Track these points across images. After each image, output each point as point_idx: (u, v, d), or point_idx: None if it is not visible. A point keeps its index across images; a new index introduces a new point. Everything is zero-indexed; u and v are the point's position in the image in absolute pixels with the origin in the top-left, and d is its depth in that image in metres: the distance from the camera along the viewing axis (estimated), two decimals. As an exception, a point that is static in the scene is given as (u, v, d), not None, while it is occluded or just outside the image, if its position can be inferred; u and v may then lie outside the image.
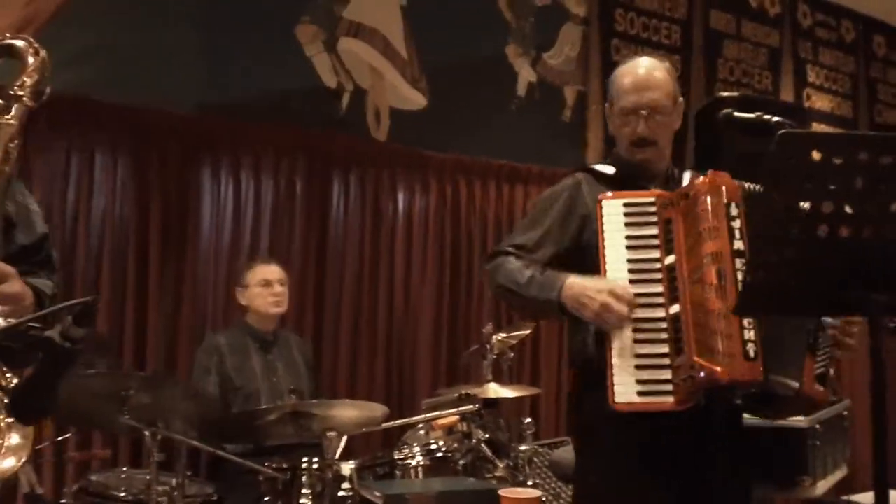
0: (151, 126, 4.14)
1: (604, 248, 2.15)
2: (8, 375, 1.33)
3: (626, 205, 2.17)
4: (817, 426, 3.34)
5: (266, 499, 3.28)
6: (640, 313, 2.10)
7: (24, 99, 1.45)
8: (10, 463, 1.31)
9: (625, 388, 2.05)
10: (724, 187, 2.09)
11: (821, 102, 6.80)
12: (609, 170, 2.36)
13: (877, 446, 1.72)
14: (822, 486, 3.38)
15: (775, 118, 2.38)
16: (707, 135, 4.17)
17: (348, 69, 4.78)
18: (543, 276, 2.21)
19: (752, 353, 2.00)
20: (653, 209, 2.16)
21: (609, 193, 2.22)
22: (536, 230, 2.33)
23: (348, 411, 3.06)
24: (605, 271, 2.13)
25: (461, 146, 5.07)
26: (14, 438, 1.32)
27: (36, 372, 1.25)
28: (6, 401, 1.31)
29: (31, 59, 1.47)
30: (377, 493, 2.66)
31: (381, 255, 4.75)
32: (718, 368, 1.99)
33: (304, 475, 3.21)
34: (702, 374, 2.00)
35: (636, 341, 2.07)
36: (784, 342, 2.06)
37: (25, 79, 1.46)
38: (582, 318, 2.13)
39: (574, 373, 2.32)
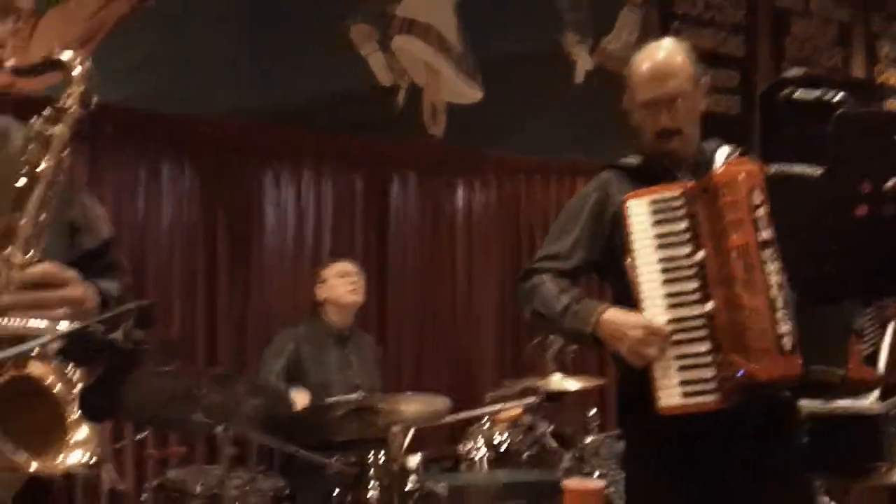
0: (214, 135, 4.25)
1: (634, 251, 2.10)
2: (71, 372, 1.37)
3: (652, 202, 2.12)
4: (893, 411, 3.26)
5: (336, 492, 3.35)
6: (678, 312, 2.06)
7: (73, 109, 1.48)
8: (77, 456, 1.35)
9: (669, 392, 2.03)
10: (742, 176, 2.04)
11: (895, 78, 6.57)
12: (634, 161, 2.31)
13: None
14: (901, 473, 3.30)
15: (836, 97, 2.31)
16: (770, 117, 4.09)
17: (403, 67, 4.81)
18: (579, 304, 2.16)
19: (787, 346, 1.96)
20: (680, 203, 2.11)
21: (633, 193, 2.16)
22: (567, 238, 2.28)
23: (412, 405, 3.09)
24: (637, 277, 2.09)
25: (519, 139, 5.05)
26: (82, 433, 1.36)
27: (102, 373, 1.30)
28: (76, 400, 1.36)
29: (76, 70, 1.50)
30: (442, 485, 2.69)
31: (443, 254, 4.79)
32: (755, 367, 1.96)
33: (371, 469, 3.27)
34: (739, 372, 1.97)
35: (675, 342, 2.04)
36: (825, 328, 2.01)
37: (72, 89, 1.48)
38: (618, 351, 2.10)
39: (617, 370, 2.29)
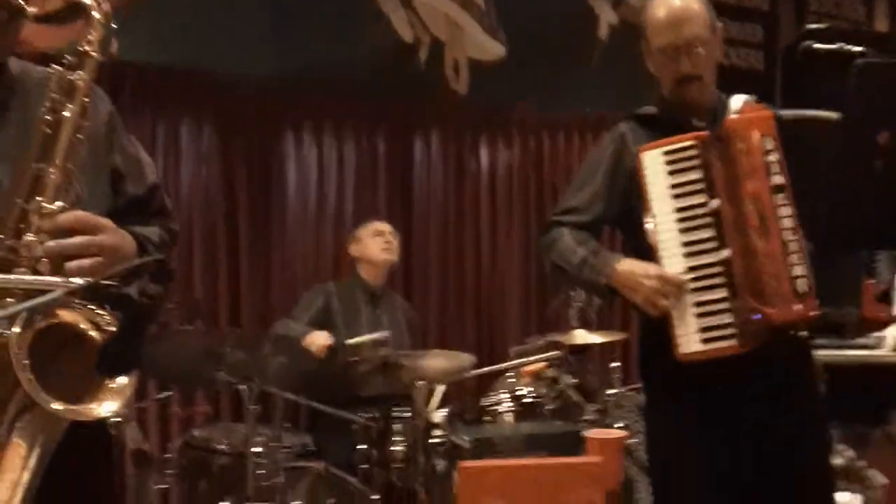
0: (234, 93, 4.25)
1: (649, 201, 2.11)
2: (105, 318, 1.38)
3: (666, 152, 2.11)
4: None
5: (361, 447, 3.40)
6: (695, 260, 2.07)
7: (93, 54, 1.47)
8: (111, 406, 1.38)
9: (688, 339, 2.04)
10: (754, 122, 2.05)
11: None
12: (651, 110, 2.30)
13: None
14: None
15: (857, 48, 2.30)
16: (792, 71, 4.04)
17: (424, 22, 4.78)
18: (596, 257, 2.17)
19: (802, 289, 1.99)
20: (694, 152, 2.10)
21: (646, 145, 2.15)
22: (585, 191, 2.28)
23: (436, 361, 3.13)
24: (655, 227, 2.10)
25: (543, 95, 5.02)
26: (118, 381, 1.39)
27: (118, 328, 1.32)
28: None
29: (95, 14, 1.48)
30: (465, 438, 2.73)
31: (466, 212, 4.79)
32: (771, 311, 1.98)
33: (395, 424, 3.32)
34: (756, 316, 2.00)
35: (694, 289, 2.05)
36: (838, 269, 2.02)
37: (92, 34, 1.47)
38: (634, 302, 2.11)
39: (639, 320, 2.31)
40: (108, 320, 1.38)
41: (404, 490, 3.21)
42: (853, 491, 3.23)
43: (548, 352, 3.54)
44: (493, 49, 4.96)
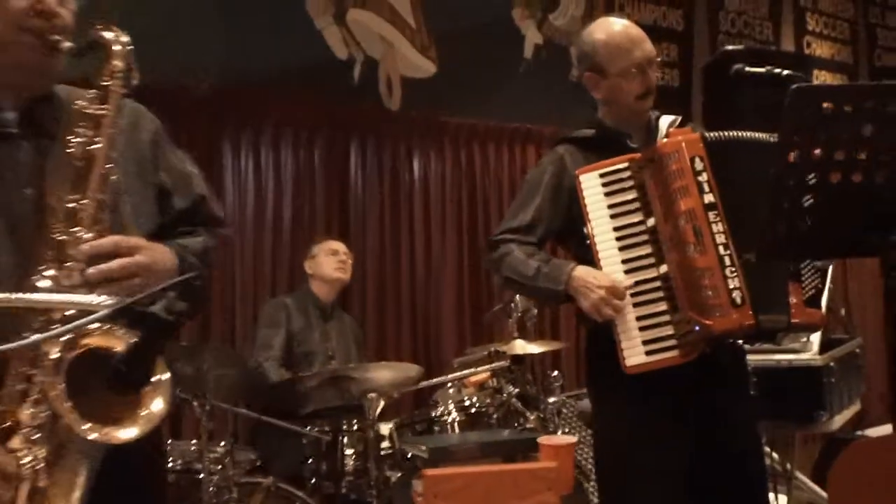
0: (174, 102, 4.22)
1: (589, 221, 2.24)
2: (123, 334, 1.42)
3: (602, 175, 2.25)
4: (832, 363, 3.49)
5: (310, 460, 3.44)
6: (635, 276, 2.20)
7: (117, 87, 1.53)
8: (161, 405, 1.41)
9: (633, 351, 2.17)
10: (684, 144, 2.18)
11: (821, 49, 6.86)
12: (588, 133, 2.43)
13: (892, 381, 1.85)
14: (839, 421, 3.54)
15: (785, 72, 2.50)
16: (717, 88, 4.26)
17: (358, 40, 4.87)
18: (549, 266, 2.30)
19: (738, 300, 2.11)
20: (628, 174, 2.24)
21: (583, 168, 2.28)
22: (528, 211, 2.39)
23: (385, 373, 3.20)
24: (595, 245, 2.23)
25: (473, 111, 5.18)
26: (156, 405, 1.42)
27: (137, 344, 1.36)
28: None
29: (116, 48, 1.54)
30: (422, 447, 2.81)
31: (401, 221, 4.89)
32: (710, 322, 2.10)
33: (345, 436, 3.38)
34: (696, 328, 2.12)
35: (635, 304, 2.18)
36: (768, 279, 2.16)
37: (114, 67, 1.53)
38: (581, 306, 2.23)
39: (586, 330, 2.43)
40: (128, 338, 1.42)
41: (357, 502, 3.27)
42: (780, 492, 3.43)
43: (490, 362, 3.65)
44: (424, 66, 5.07)
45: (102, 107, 1.52)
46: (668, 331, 2.17)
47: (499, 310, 4.08)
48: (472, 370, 3.57)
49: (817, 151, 1.96)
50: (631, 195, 2.25)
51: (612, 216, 2.25)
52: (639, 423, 2.30)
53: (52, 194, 1.50)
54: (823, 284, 2.36)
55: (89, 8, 1.62)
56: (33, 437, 1.36)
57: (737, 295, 2.11)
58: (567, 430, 3.49)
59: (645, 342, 2.18)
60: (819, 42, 6.83)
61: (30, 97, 1.59)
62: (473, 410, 3.45)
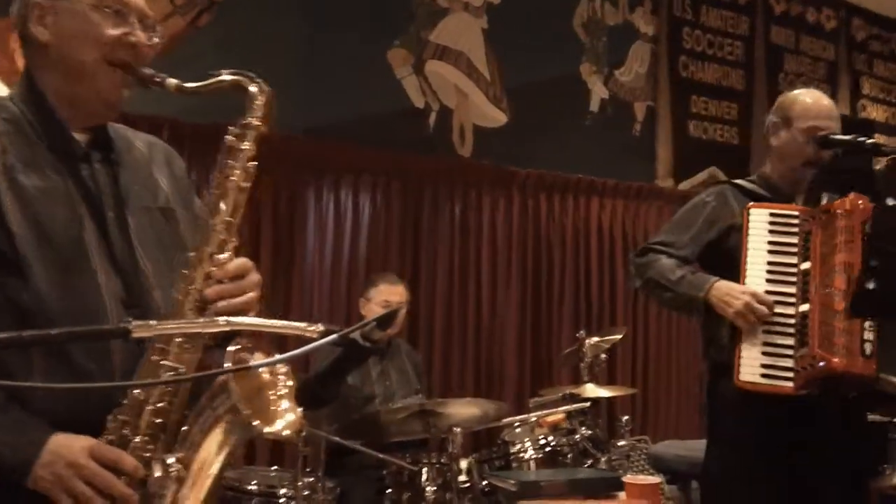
0: (262, 147, 4.42)
1: (746, 250, 2.46)
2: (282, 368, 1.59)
3: (772, 214, 2.49)
4: (894, 420, 3.57)
5: (389, 491, 3.56)
6: (774, 309, 2.39)
7: (257, 125, 1.65)
8: (291, 417, 1.55)
9: (750, 369, 2.36)
10: (861, 207, 2.37)
11: (875, 113, 7.02)
12: (751, 186, 2.65)
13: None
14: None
15: (870, 140, 2.70)
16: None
17: (435, 90, 5.08)
18: (694, 275, 2.53)
19: (868, 351, 2.28)
20: (796, 221, 2.46)
21: (756, 203, 2.53)
22: (684, 233, 2.64)
23: (470, 409, 3.34)
24: (745, 272, 2.42)
25: (539, 161, 5.36)
26: (284, 404, 1.57)
27: (331, 367, 1.51)
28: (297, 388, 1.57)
29: (252, 89, 1.66)
30: (511, 481, 2.93)
31: (469, 266, 5.05)
32: (836, 359, 2.26)
33: (426, 468, 3.50)
34: (821, 363, 2.28)
35: (765, 332, 2.37)
36: None
37: (254, 107, 1.65)
38: (725, 314, 2.41)
39: (708, 364, 2.60)
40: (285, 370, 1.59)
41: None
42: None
43: (563, 404, 3.77)
44: (495, 116, 5.28)
45: (243, 143, 1.64)
46: (789, 363, 2.35)
47: (570, 353, 4.22)
48: (552, 410, 3.69)
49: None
50: (793, 239, 2.46)
51: (770, 251, 2.46)
52: (740, 460, 2.49)
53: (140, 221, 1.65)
54: None
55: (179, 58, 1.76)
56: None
57: (868, 346, 2.28)
58: (635, 473, 3.59)
59: (763, 366, 2.36)
60: (874, 106, 6.99)
61: (95, 125, 1.68)
62: (549, 449, 3.57)
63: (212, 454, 1.55)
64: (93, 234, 1.60)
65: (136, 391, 1.52)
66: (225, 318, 1.47)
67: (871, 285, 2.24)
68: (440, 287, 4.96)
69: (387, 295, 4.18)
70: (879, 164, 2.73)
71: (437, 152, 5.05)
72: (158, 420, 1.53)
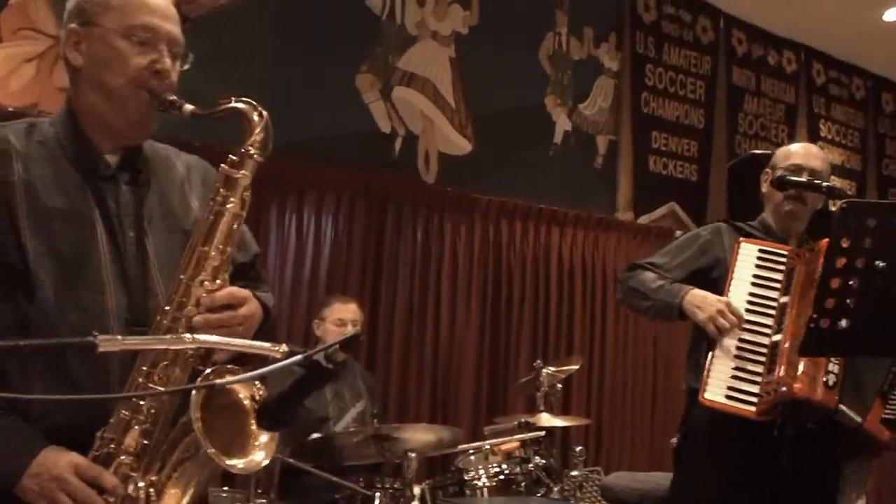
0: (223, 163, 4.40)
1: (731, 280, 2.55)
2: (258, 386, 1.60)
3: (761, 251, 2.59)
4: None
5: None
6: (747, 337, 2.48)
7: (254, 155, 1.69)
8: (260, 456, 1.58)
9: (716, 389, 2.44)
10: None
11: (832, 155, 7.19)
12: (749, 228, 2.77)
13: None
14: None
15: (826, 183, 2.79)
16: (745, 188, 4.50)
17: (401, 115, 5.12)
18: (672, 285, 2.63)
19: (831, 382, 2.37)
20: (784, 259, 2.56)
21: (748, 239, 2.64)
22: (675, 258, 2.76)
23: (426, 434, 3.34)
24: (727, 295, 2.50)
25: (502, 189, 5.42)
26: (263, 437, 1.59)
27: (291, 388, 1.52)
28: (257, 409, 1.58)
29: (255, 118, 1.70)
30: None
31: (429, 288, 5.07)
32: (797, 385, 2.34)
33: (379, 493, 3.49)
34: (783, 388, 2.35)
35: (736, 357, 2.45)
36: (862, 384, 2.37)
37: (254, 137, 1.68)
38: (694, 318, 2.51)
39: (686, 390, 2.68)
40: (262, 391, 1.60)
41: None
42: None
43: (520, 432, 3.79)
44: (460, 144, 5.34)
45: (240, 171, 1.67)
46: (755, 389, 2.42)
47: (527, 381, 4.24)
48: (507, 438, 3.71)
49: (861, 260, 2.18)
50: (778, 276, 2.55)
51: (753, 284, 2.55)
52: (712, 487, 2.55)
53: (158, 240, 1.68)
54: None
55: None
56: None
57: (832, 378, 2.36)
58: (588, 503, 3.62)
59: (730, 388, 2.43)
60: (830, 148, 7.16)
61: (127, 146, 1.73)
62: (503, 477, 3.58)
63: (183, 485, 1.58)
64: (106, 254, 1.63)
65: (122, 412, 1.56)
66: (191, 335, 1.48)
67: (823, 324, 2.30)
68: (399, 311, 4.96)
69: (339, 313, 4.19)
70: (835, 206, 2.82)
71: (402, 173, 5.08)
72: (144, 441, 1.56)
